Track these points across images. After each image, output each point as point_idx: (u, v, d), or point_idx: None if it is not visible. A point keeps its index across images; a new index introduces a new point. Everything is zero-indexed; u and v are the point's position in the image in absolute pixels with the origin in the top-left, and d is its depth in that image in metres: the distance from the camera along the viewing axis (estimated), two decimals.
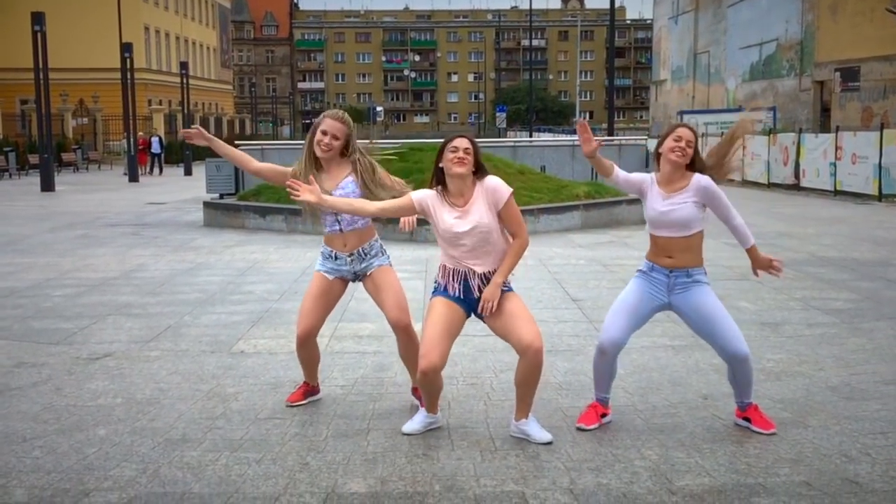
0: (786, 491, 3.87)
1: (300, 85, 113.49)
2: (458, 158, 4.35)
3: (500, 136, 58.69)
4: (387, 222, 10.73)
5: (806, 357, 6.18)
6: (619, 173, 4.62)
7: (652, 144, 21.07)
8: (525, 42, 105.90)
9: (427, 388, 4.52)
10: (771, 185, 24.90)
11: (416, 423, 4.66)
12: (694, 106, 42.78)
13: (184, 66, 42.50)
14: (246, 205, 15.14)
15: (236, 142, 19.01)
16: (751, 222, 15.45)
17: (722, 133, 30.35)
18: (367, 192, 4.78)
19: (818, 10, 33.30)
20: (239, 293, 8.85)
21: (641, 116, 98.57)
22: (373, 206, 4.57)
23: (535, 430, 4.52)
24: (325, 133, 4.80)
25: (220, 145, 5.13)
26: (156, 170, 37.59)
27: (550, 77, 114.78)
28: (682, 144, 4.52)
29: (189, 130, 5.13)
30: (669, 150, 4.54)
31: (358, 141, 4.94)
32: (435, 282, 4.62)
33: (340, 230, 4.90)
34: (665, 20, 49.42)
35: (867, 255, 11.33)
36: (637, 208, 14.13)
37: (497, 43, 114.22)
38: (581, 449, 4.40)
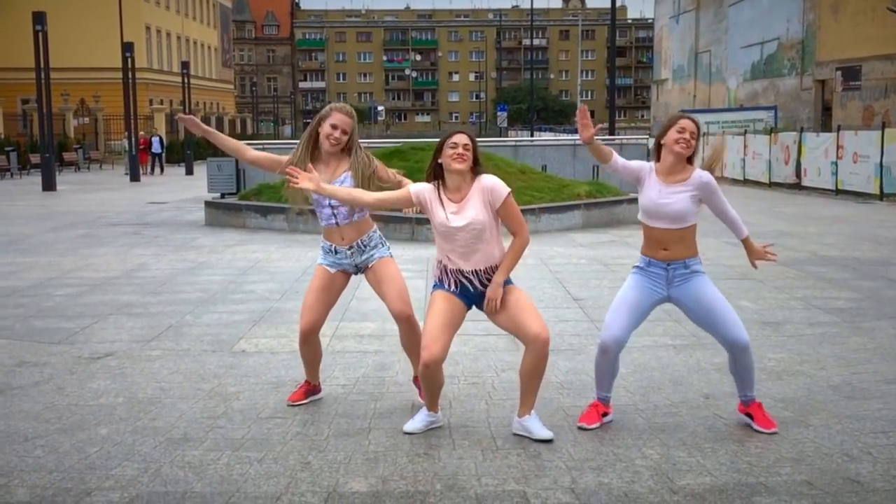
0: (787, 490, 3.87)
1: (301, 84, 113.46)
2: (458, 155, 4.37)
3: (501, 136, 58.68)
4: (386, 223, 10.74)
5: (807, 356, 6.18)
6: (618, 160, 4.61)
7: (653, 144, 21.00)
8: (526, 41, 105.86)
9: (428, 382, 4.53)
10: (772, 185, 24.88)
11: (417, 422, 4.66)
12: (695, 105, 42.75)
13: (185, 65, 42.53)
14: (247, 204, 15.14)
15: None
16: (752, 221, 15.45)
17: (724, 132, 30.38)
18: (364, 187, 4.79)
19: (819, 9, 33.28)
20: (240, 292, 8.85)
21: (643, 116, 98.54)
22: (371, 195, 4.60)
23: (537, 426, 4.53)
24: (335, 127, 4.81)
25: (216, 135, 5.15)
26: (157, 169, 37.62)
27: (551, 76, 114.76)
28: (686, 136, 4.50)
29: (184, 116, 5.15)
30: (674, 141, 4.52)
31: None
32: (435, 276, 4.64)
33: (337, 224, 4.91)
34: (666, 19, 49.41)
35: (868, 254, 11.33)
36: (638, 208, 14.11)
37: (498, 42, 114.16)
38: (582, 448, 4.40)
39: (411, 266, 10.06)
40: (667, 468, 4.14)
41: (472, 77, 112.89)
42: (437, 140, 4.59)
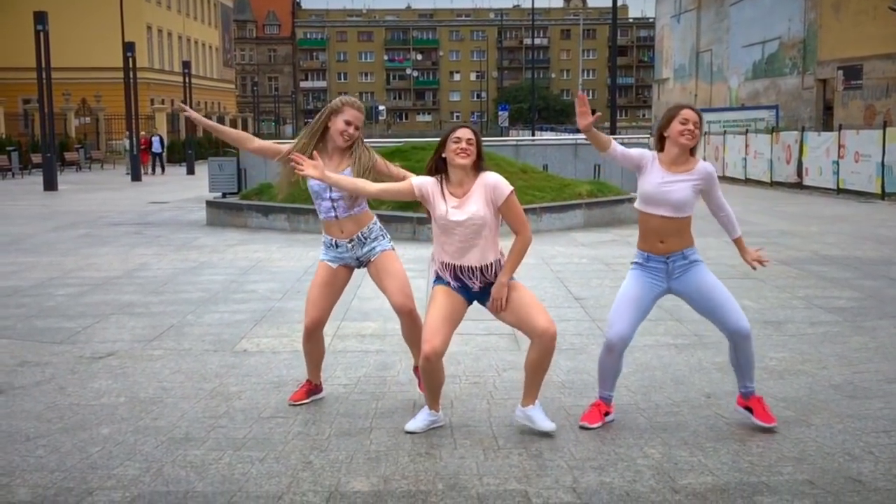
0: (789, 489, 3.87)
1: (302, 84, 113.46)
2: (462, 149, 4.39)
3: (502, 135, 58.63)
4: (387, 222, 10.72)
5: (809, 355, 6.18)
6: (617, 147, 4.57)
7: (655, 135, 20.99)
8: (527, 41, 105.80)
9: (429, 376, 4.53)
10: (774, 184, 24.87)
11: (418, 421, 4.66)
12: (696, 104, 42.64)
13: (186, 65, 42.53)
14: (248, 204, 15.15)
15: None
16: (754, 221, 15.42)
17: (725, 132, 30.31)
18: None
19: (821, 8, 33.24)
20: (242, 292, 8.86)
21: (644, 115, 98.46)
22: (373, 186, 4.63)
23: (540, 417, 4.57)
24: (349, 123, 4.83)
25: (216, 127, 5.17)
26: (158, 169, 37.64)
27: (553, 76, 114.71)
28: (690, 126, 4.49)
29: (185, 107, 5.17)
30: (678, 133, 4.50)
31: None
32: (435, 272, 4.65)
33: (336, 217, 4.92)
34: (667, 18, 49.37)
35: (870, 253, 11.32)
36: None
37: (499, 42, 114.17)
38: (584, 447, 4.40)
39: (413, 265, 10.05)
40: (668, 467, 4.14)
41: (473, 76, 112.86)
42: (439, 140, 4.59)
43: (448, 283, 4.55)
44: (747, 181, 26.41)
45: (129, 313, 7.86)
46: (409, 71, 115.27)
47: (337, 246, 4.97)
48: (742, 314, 4.57)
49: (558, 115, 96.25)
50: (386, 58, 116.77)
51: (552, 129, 60.20)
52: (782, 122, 33.02)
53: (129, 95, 33.63)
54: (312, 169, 4.48)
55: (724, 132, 30.15)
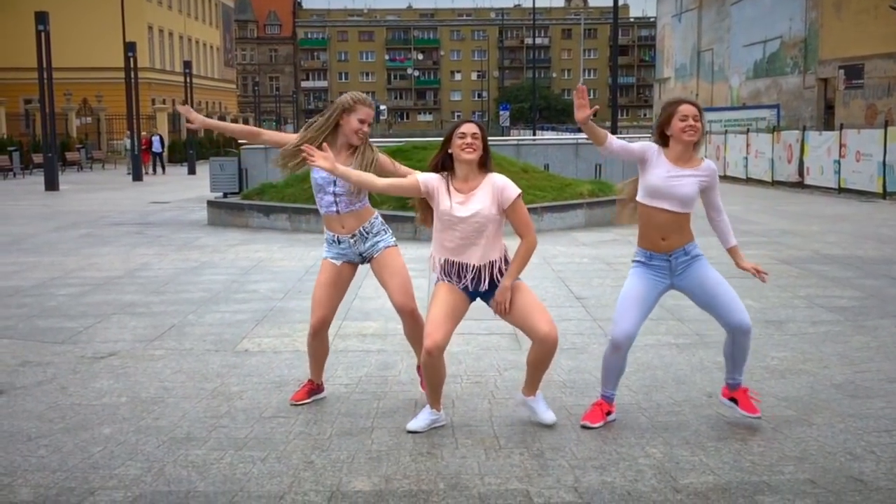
0: (790, 489, 3.87)
1: (303, 84, 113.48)
2: (467, 144, 4.41)
3: (503, 135, 58.64)
4: (388, 222, 10.69)
5: (810, 355, 6.18)
6: (614, 141, 4.53)
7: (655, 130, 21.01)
8: (528, 40, 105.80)
9: (430, 372, 4.54)
10: (775, 183, 24.87)
11: (420, 421, 4.67)
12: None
13: (187, 65, 42.57)
14: (250, 204, 15.15)
15: (239, 141, 19.05)
16: (755, 220, 15.41)
17: (726, 131, 30.31)
18: None
19: (822, 7, 33.22)
20: (243, 292, 8.86)
21: (645, 114, 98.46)
22: (381, 180, 4.65)
23: (542, 408, 4.65)
24: (362, 122, 4.85)
25: (219, 125, 5.18)
26: (159, 169, 37.64)
27: (554, 75, 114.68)
28: (691, 122, 4.47)
29: (189, 110, 5.15)
30: (680, 130, 4.47)
31: None
32: (434, 270, 4.67)
33: (338, 212, 4.93)
34: (668, 18, 49.35)
35: (871, 252, 11.32)
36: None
37: (500, 41, 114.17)
38: (585, 447, 4.40)
39: (414, 265, 10.03)
40: (670, 467, 4.14)
41: (474, 76, 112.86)
42: (440, 139, 4.60)
43: (449, 280, 4.56)
44: (748, 180, 26.40)
45: (130, 313, 7.86)
46: (410, 70, 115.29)
47: (339, 242, 4.98)
48: (744, 309, 4.59)
49: (559, 114, 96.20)
50: (387, 57, 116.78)
51: (553, 129, 60.22)
52: (783, 121, 33.01)
53: (130, 95, 33.65)
54: (323, 160, 4.49)
55: (726, 131, 30.15)
